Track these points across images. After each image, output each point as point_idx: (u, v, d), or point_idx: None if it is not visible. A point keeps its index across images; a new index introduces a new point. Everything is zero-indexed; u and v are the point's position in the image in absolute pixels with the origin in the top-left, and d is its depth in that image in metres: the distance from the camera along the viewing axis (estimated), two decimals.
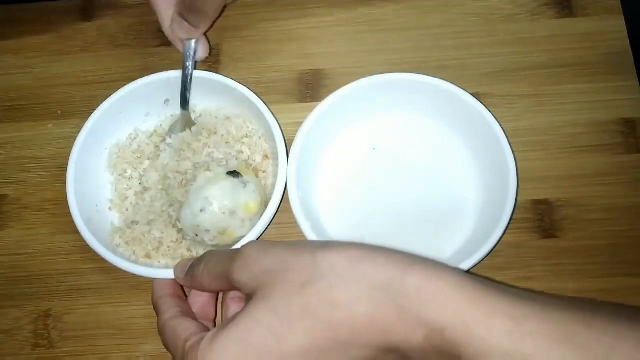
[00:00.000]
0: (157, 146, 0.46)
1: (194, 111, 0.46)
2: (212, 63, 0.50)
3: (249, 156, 0.44)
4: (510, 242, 0.42)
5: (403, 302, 0.28)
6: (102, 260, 0.40)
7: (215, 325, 0.38)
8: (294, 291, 0.29)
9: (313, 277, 0.29)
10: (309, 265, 0.30)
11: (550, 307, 0.27)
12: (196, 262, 0.36)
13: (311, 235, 0.39)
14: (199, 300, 0.38)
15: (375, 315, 0.28)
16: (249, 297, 0.31)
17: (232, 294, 0.37)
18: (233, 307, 0.37)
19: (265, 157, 0.44)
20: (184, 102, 0.45)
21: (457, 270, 0.29)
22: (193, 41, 0.46)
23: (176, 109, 0.46)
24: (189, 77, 0.45)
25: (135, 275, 0.40)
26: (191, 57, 0.45)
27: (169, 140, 0.45)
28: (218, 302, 0.40)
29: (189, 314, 0.37)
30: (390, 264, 0.29)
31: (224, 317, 0.37)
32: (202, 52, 0.47)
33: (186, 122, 0.45)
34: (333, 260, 0.29)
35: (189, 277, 0.36)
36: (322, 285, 0.29)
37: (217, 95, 0.45)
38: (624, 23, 0.48)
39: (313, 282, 0.29)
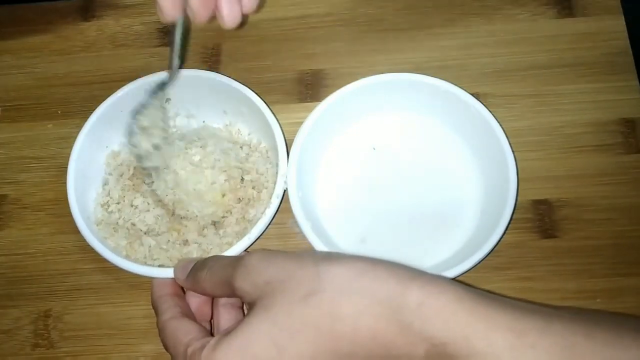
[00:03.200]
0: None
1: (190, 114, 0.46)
2: (212, 63, 0.50)
3: (247, 154, 0.44)
4: (510, 242, 0.42)
5: (404, 317, 0.28)
6: (102, 260, 0.40)
7: (211, 325, 0.38)
8: (296, 302, 0.29)
9: (315, 288, 0.29)
10: (312, 277, 0.30)
11: (551, 319, 0.27)
12: (199, 266, 0.36)
13: (311, 235, 0.39)
14: (196, 301, 0.38)
15: (377, 328, 0.28)
16: (250, 306, 0.31)
17: (224, 300, 0.37)
18: (225, 314, 0.37)
19: (266, 157, 0.44)
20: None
21: (457, 284, 0.29)
22: None
23: (177, 108, 0.46)
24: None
25: (135, 274, 0.40)
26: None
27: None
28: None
29: (188, 314, 0.37)
30: (392, 278, 0.29)
31: (216, 324, 0.37)
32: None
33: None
34: (336, 273, 0.29)
35: (191, 280, 0.36)
36: (324, 297, 0.29)
37: (217, 94, 0.45)
38: (624, 23, 0.48)
39: (315, 294, 0.29)
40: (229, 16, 0.37)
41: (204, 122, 0.47)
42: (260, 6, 0.39)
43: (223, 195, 0.42)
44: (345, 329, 0.28)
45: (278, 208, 0.41)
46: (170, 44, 0.41)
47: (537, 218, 0.43)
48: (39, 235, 0.46)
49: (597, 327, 0.27)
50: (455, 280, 0.30)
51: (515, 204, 0.39)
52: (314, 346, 0.28)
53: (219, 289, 0.34)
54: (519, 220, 0.42)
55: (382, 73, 0.43)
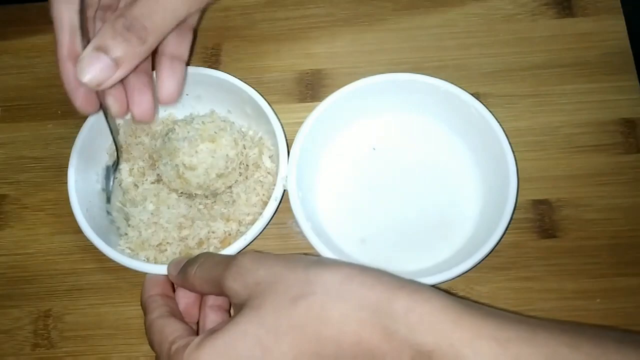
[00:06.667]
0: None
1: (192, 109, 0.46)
2: (212, 63, 0.50)
3: (246, 153, 0.44)
4: (510, 242, 0.42)
5: (391, 324, 0.28)
6: (103, 260, 0.40)
7: (198, 327, 0.38)
8: (284, 305, 0.29)
9: (304, 292, 0.29)
10: (301, 280, 0.30)
11: (535, 329, 0.27)
12: (190, 261, 0.36)
13: (311, 235, 0.39)
14: (184, 301, 0.39)
15: (363, 334, 0.28)
16: (238, 307, 0.31)
17: (212, 301, 0.37)
18: (211, 315, 0.37)
19: (266, 156, 0.44)
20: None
21: (443, 293, 0.29)
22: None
23: (176, 107, 0.46)
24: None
25: (135, 274, 0.40)
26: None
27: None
28: None
29: (176, 314, 0.37)
30: (379, 285, 0.29)
31: (202, 325, 0.37)
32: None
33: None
34: (325, 277, 0.30)
35: (181, 276, 0.36)
36: (312, 300, 0.29)
37: (218, 93, 0.45)
38: (624, 23, 0.48)
39: (304, 297, 0.29)
40: (140, 112, 0.39)
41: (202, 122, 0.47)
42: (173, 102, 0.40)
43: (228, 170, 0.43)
44: (330, 333, 0.28)
45: (277, 209, 0.41)
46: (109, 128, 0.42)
47: (537, 218, 0.43)
48: (39, 235, 0.46)
49: (581, 338, 0.27)
50: (441, 290, 0.30)
51: (515, 204, 0.39)
52: (299, 348, 0.29)
53: (208, 287, 0.34)
54: (519, 220, 0.42)
55: (382, 73, 0.43)
